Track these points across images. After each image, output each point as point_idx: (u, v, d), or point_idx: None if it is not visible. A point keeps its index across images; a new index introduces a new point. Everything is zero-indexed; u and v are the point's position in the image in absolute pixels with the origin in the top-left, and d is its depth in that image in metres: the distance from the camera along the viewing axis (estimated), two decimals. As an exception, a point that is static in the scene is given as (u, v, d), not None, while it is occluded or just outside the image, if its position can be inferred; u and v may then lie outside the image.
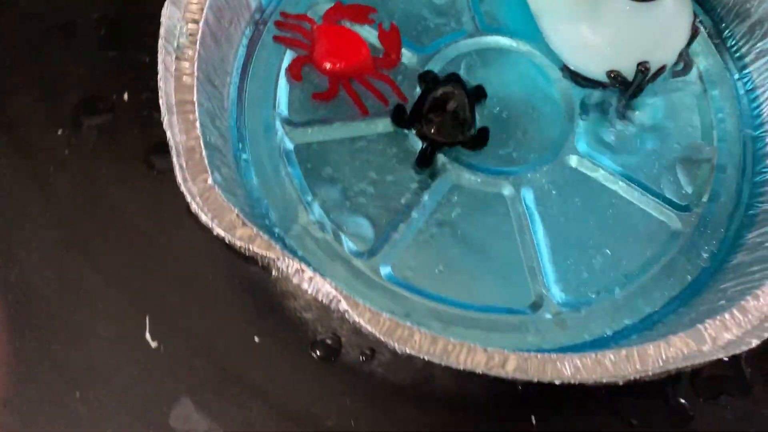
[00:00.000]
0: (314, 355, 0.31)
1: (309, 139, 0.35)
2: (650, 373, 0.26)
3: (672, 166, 0.35)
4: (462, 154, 0.35)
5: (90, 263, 0.32)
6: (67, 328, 0.31)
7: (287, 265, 0.26)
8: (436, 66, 0.36)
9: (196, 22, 0.31)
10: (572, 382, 0.25)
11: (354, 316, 0.26)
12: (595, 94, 0.36)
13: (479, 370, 0.25)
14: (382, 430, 0.30)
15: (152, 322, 0.31)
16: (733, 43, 0.38)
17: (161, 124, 0.34)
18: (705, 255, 0.33)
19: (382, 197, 0.34)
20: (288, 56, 0.36)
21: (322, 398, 0.30)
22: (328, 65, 0.35)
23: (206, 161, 0.29)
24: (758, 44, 0.37)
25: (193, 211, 0.27)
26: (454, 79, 0.36)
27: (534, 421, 0.30)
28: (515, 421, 0.30)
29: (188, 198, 0.27)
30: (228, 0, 0.34)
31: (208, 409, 0.30)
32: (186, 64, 0.30)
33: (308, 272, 0.26)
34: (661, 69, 0.35)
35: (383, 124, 0.35)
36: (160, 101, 0.29)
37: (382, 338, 0.25)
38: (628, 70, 0.35)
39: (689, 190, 0.35)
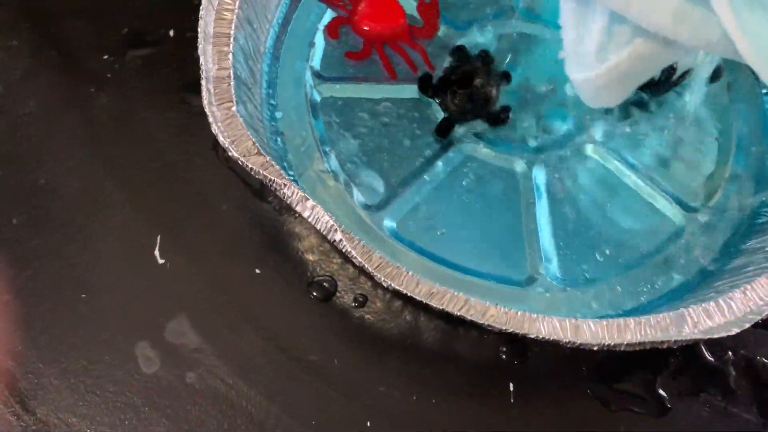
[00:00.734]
0: (310, 294, 0.32)
1: (336, 94, 0.36)
2: (624, 345, 0.26)
3: (686, 168, 0.35)
4: (480, 128, 0.36)
5: (113, 179, 0.34)
6: (83, 235, 0.33)
7: (292, 192, 0.28)
8: (468, 42, 0.37)
9: (246, -38, 0.33)
10: (547, 338, 0.26)
11: (348, 247, 0.27)
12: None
13: (458, 313, 0.26)
14: (363, 373, 0.31)
15: (163, 240, 0.33)
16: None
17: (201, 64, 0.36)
18: (705, 257, 0.33)
19: (397, 158, 0.35)
20: (328, 15, 0.38)
21: (311, 335, 0.31)
22: (365, 27, 0.37)
23: (233, 91, 0.30)
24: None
25: (213, 131, 0.29)
26: (483, 56, 0.37)
27: (512, 388, 0.31)
28: (494, 386, 0.31)
29: (210, 119, 0.29)
30: (278, -50, 0.35)
31: (202, 328, 0.31)
32: (229, 0, 0.32)
33: (311, 201, 0.27)
34: (686, 73, 0.36)
35: (409, 90, 0.36)
36: (199, 29, 0.31)
37: (372, 272, 0.26)
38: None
39: (700, 192, 0.35)
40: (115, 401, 0.30)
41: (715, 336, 0.26)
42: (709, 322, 0.27)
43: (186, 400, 0.30)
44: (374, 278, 0.27)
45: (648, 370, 0.31)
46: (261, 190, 0.35)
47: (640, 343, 0.26)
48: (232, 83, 0.30)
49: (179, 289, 0.32)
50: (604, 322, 0.27)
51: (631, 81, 0.29)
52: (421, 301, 0.27)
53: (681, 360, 0.32)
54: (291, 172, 0.34)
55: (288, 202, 0.28)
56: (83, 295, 0.32)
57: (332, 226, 0.27)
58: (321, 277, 0.33)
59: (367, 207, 0.34)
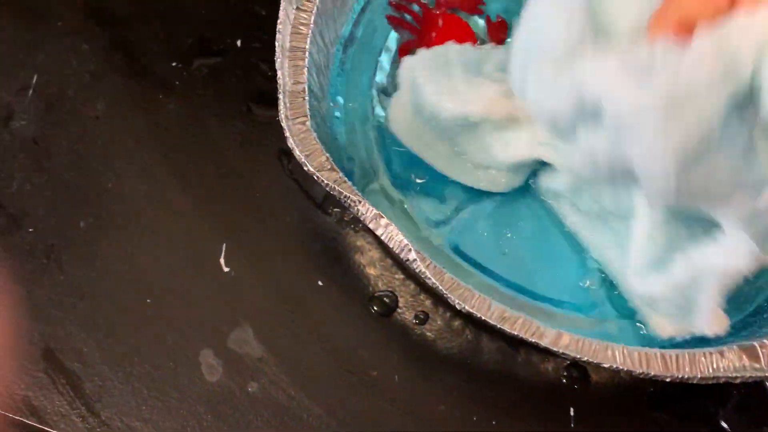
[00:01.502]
0: (371, 309, 0.33)
1: (401, 109, 0.36)
2: (698, 378, 0.26)
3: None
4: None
5: (180, 185, 0.35)
6: (149, 239, 0.33)
7: (366, 209, 0.28)
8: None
9: (320, -23, 0.33)
10: (619, 368, 0.26)
11: (421, 267, 0.27)
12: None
13: (532, 340, 0.26)
14: (424, 391, 0.31)
15: (228, 249, 0.33)
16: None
17: (266, 74, 0.37)
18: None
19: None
20: (394, 31, 0.38)
21: (372, 349, 0.32)
22: None
23: (308, 106, 0.31)
24: None
25: (289, 146, 0.29)
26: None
27: (572, 413, 0.31)
28: (555, 410, 0.31)
29: (287, 133, 0.29)
30: (350, -34, 0.36)
31: (264, 338, 0.32)
32: (304, 15, 0.32)
33: (384, 219, 0.28)
34: None
35: (474, 108, 0.36)
36: (276, 44, 0.31)
37: (444, 292, 0.26)
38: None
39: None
40: (179, 408, 0.30)
41: (791, 373, 0.26)
42: (782, 357, 0.27)
43: (248, 409, 0.30)
44: (445, 298, 0.27)
45: (711, 401, 0.31)
46: (323, 203, 0.35)
47: (714, 377, 0.26)
48: (306, 98, 0.31)
49: (243, 298, 0.32)
50: (675, 354, 0.26)
51: None
52: (485, 322, 0.27)
53: (745, 393, 0.31)
54: (355, 186, 0.34)
55: (361, 219, 0.28)
56: (149, 300, 0.32)
57: (406, 245, 0.27)
58: (382, 293, 0.33)
59: (430, 222, 0.34)
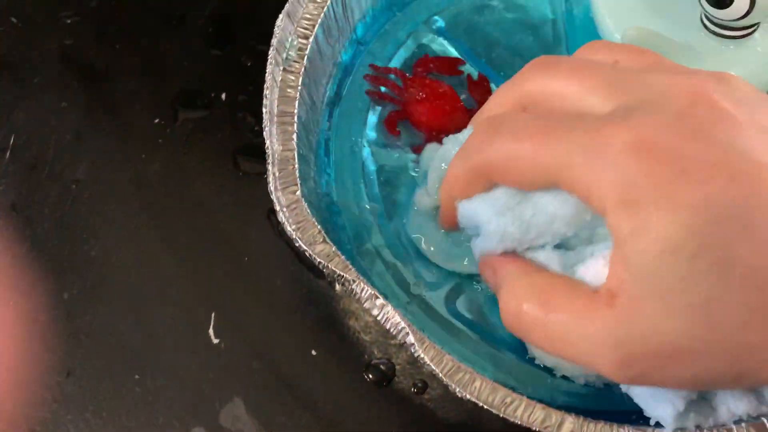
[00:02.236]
0: (367, 378, 0.32)
1: (393, 162, 0.35)
2: (708, 461, 0.25)
3: None
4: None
5: (168, 250, 0.34)
6: (136, 309, 0.32)
7: (361, 289, 0.27)
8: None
9: (307, 37, 0.32)
10: (628, 455, 0.25)
11: (419, 351, 0.26)
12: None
13: (535, 428, 0.25)
14: (424, 465, 0.30)
15: (217, 318, 0.32)
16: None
17: (253, 128, 0.36)
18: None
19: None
20: (384, 81, 0.37)
21: (370, 421, 0.31)
22: (423, 120, 0.35)
23: (298, 173, 0.30)
24: None
25: (279, 220, 0.28)
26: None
27: (576, 483, 0.30)
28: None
29: (276, 207, 0.28)
30: (337, 19, 0.35)
31: (257, 413, 0.31)
32: (292, 77, 0.31)
33: (380, 300, 0.27)
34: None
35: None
36: (264, 110, 0.30)
37: (444, 379, 0.25)
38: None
39: None
40: (171, 491, 0.29)
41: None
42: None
43: (243, 491, 0.29)
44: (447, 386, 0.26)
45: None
46: (315, 265, 0.34)
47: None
48: (297, 164, 0.30)
49: (234, 371, 0.31)
50: (683, 433, 0.26)
51: None
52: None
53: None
54: (348, 246, 0.33)
55: (355, 298, 0.27)
56: (137, 376, 0.31)
57: (403, 328, 0.26)
58: (378, 360, 0.32)
59: (427, 284, 0.33)
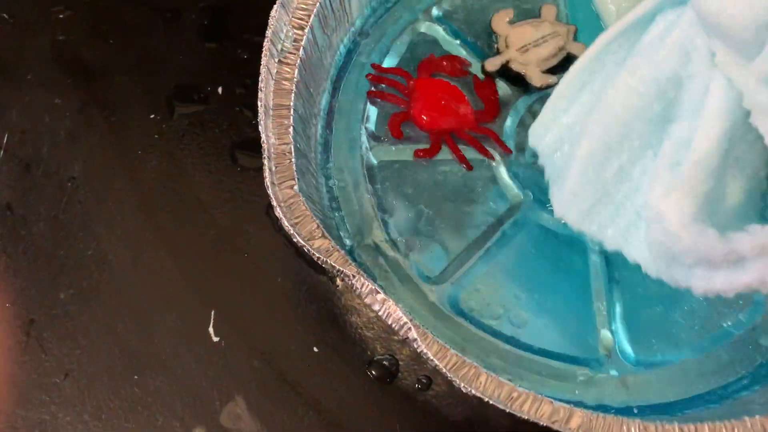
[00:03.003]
0: (370, 374, 0.31)
1: (393, 157, 0.35)
2: (720, 453, 0.24)
3: None
4: (545, 196, 0.34)
5: (166, 249, 0.33)
6: (134, 310, 0.32)
7: (361, 284, 0.26)
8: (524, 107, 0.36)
9: (302, 28, 0.32)
10: (638, 449, 0.24)
11: (422, 347, 0.25)
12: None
13: (543, 423, 0.24)
14: (429, 462, 0.30)
15: (217, 317, 0.32)
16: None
17: (251, 122, 0.35)
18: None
19: (458, 225, 0.33)
20: (383, 72, 0.36)
21: (374, 419, 0.30)
22: (429, 122, 0.34)
23: (294, 167, 0.29)
24: None
25: (276, 215, 0.27)
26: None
27: (584, 479, 0.29)
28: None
29: (273, 202, 0.27)
30: (333, 9, 0.34)
31: (259, 412, 0.30)
32: (287, 69, 0.31)
33: (381, 294, 0.26)
34: None
35: (468, 152, 0.35)
36: (258, 103, 0.29)
37: (448, 374, 0.25)
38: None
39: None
40: (172, 493, 0.29)
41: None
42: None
43: (245, 492, 0.29)
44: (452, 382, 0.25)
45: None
46: (315, 261, 0.33)
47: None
48: (293, 159, 0.29)
49: (235, 370, 0.31)
50: (694, 427, 0.25)
51: None
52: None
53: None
54: (348, 241, 0.33)
55: (356, 293, 0.26)
56: (136, 377, 0.31)
57: (405, 323, 0.25)
58: (381, 356, 0.31)
59: (427, 279, 0.32)
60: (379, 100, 0.35)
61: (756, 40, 0.23)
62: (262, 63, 0.30)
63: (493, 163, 0.34)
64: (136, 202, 0.34)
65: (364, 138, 0.35)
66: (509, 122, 0.35)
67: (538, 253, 0.33)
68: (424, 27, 0.37)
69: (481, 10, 0.37)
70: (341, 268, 0.26)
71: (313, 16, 0.32)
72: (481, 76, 0.36)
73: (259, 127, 0.29)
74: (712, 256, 0.24)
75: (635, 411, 0.30)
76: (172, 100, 0.36)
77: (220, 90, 0.36)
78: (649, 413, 0.29)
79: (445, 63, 0.36)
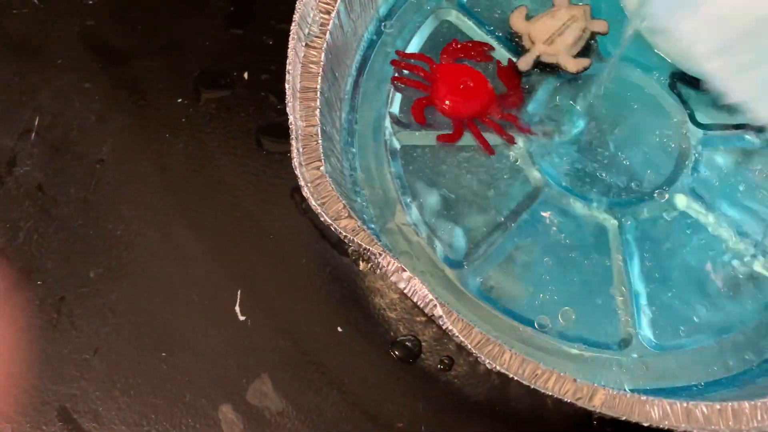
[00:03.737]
0: (393, 355, 0.31)
1: (416, 141, 0.35)
2: (742, 432, 0.25)
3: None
4: (567, 180, 0.34)
5: (193, 230, 0.33)
6: (162, 288, 0.32)
7: (388, 262, 0.27)
8: (548, 91, 0.36)
9: (329, 12, 0.32)
10: (660, 426, 0.24)
11: (447, 323, 0.26)
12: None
13: (567, 399, 0.25)
14: (451, 441, 0.30)
15: (243, 296, 0.32)
16: None
17: (276, 106, 0.36)
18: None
19: (480, 209, 0.33)
20: (407, 57, 0.36)
21: (396, 399, 0.31)
22: (451, 107, 0.34)
23: (321, 149, 0.29)
24: None
25: (304, 195, 0.28)
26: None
27: (605, 460, 0.30)
28: (585, 456, 0.30)
29: (301, 182, 0.28)
30: (360, -6, 0.34)
31: (284, 390, 0.31)
32: (314, 53, 0.31)
33: (407, 273, 0.26)
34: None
35: (491, 137, 0.35)
36: (286, 86, 0.30)
37: (473, 351, 0.25)
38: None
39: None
40: (199, 467, 0.29)
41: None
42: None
43: (271, 467, 0.29)
44: (474, 355, 0.25)
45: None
46: (339, 242, 0.34)
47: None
48: (320, 141, 0.29)
49: (260, 348, 0.31)
50: (718, 406, 0.25)
51: None
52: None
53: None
54: (372, 225, 0.33)
55: (382, 271, 0.27)
56: (163, 354, 0.31)
57: (431, 300, 0.26)
58: (404, 337, 0.32)
59: (450, 262, 0.33)
60: (402, 85, 0.36)
61: None
62: (289, 46, 0.30)
63: (516, 148, 0.35)
64: (164, 184, 0.34)
65: (387, 123, 0.35)
66: (532, 107, 0.35)
67: (560, 237, 0.33)
68: (446, 14, 0.37)
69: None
70: (368, 247, 0.27)
71: (339, 1, 0.32)
72: (504, 61, 0.36)
73: (287, 109, 0.29)
74: None
75: (656, 392, 0.30)
76: (199, 85, 0.37)
77: (246, 75, 0.37)
78: (670, 395, 0.30)
79: (467, 48, 0.36)
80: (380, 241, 0.33)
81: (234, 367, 0.31)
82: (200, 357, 0.31)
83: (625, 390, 0.27)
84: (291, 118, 0.29)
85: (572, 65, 0.35)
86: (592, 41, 0.36)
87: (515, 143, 0.35)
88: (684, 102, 0.35)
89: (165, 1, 0.39)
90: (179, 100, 0.36)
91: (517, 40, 0.37)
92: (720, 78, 0.27)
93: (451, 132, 0.35)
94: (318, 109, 0.30)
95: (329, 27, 0.32)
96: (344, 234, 0.27)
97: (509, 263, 0.33)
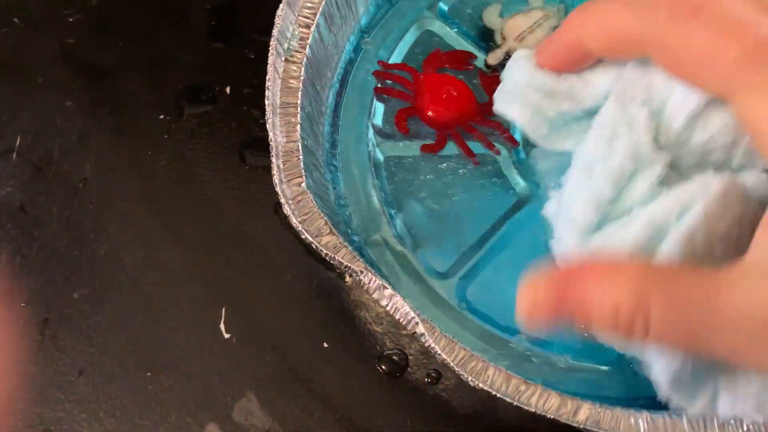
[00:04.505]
0: (380, 369, 0.31)
1: (400, 152, 0.35)
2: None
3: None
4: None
5: (177, 247, 0.33)
6: (146, 307, 0.32)
7: (369, 280, 0.26)
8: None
9: (308, 26, 0.32)
10: (646, 440, 0.24)
11: (430, 341, 0.25)
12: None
13: (550, 416, 0.25)
14: (439, 455, 0.30)
15: (228, 313, 0.32)
16: None
17: (258, 120, 0.36)
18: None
19: (466, 220, 0.33)
20: (389, 68, 0.36)
21: (384, 413, 0.30)
22: (434, 116, 0.34)
23: (302, 165, 0.29)
24: None
25: (285, 212, 0.28)
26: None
27: (595, 469, 0.30)
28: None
29: (282, 200, 0.28)
30: (339, 7, 0.34)
31: (271, 407, 0.30)
32: (294, 67, 0.31)
33: (389, 290, 0.26)
34: None
35: (475, 146, 0.35)
36: (266, 102, 0.29)
37: (456, 368, 0.25)
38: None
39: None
40: (186, 488, 0.29)
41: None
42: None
43: (258, 486, 0.29)
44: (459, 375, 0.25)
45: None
46: (324, 257, 0.33)
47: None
48: (301, 156, 0.29)
49: (246, 366, 0.31)
50: (702, 418, 0.25)
51: None
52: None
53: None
54: (356, 238, 0.33)
55: (364, 288, 0.27)
56: (148, 374, 0.31)
57: (412, 318, 0.26)
58: (391, 351, 0.32)
59: (435, 274, 0.32)
60: (385, 96, 0.36)
61: None
62: (269, 62, 0.30)
63: (500, 158, 0.34)
64: (147, 202, 0.34)
65: (371, 134, 0.35)
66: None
67: (547, 246, 0.33)
68: (429, 23, 0.37)
69: (486, 5, 0.37)
70: (349, 264, 0.27)
71: (319, 14, 0.32)
72: (486, 69, 0.36)
73: (267, 126, 0.29)
74: None
75: (642, 404, 0.30)
76: (181, 100, 0.37)
77: (228, 90, 0.37)
78: (656, 407, 0.30)
79: (449, 58, 0.36)
80: (365, 254, 0.32)
81: (219, 386, 0.31)
82: (185, 376, 0.31)
83: (611, 404, 0.27)
84: (271, 134, 0.29)
85: None
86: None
87: (499, 153, 0.34)
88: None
89: (146, 16, 0.39)
90: (161, 116, 0.36)
91: (491, 39, 0.37)
92: None
93: (434, 142, 0.35)
94: (299, 125, 0.30)
95: (309, 41, 0.32)
96: (325, 252, 0.27)
97: (496, 273, 0.32)
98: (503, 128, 0.34)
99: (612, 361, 0.31)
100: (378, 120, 0.35)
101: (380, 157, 0.35)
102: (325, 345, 0.32)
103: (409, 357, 0.31)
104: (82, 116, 0.36)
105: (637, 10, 0.21)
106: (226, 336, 0.32)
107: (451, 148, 0.35)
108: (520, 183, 0.34)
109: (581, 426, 0.24)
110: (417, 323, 0.26)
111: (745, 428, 0.25)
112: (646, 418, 0.25)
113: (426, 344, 0.25)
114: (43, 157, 0.35)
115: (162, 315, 0.32)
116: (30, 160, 0.35)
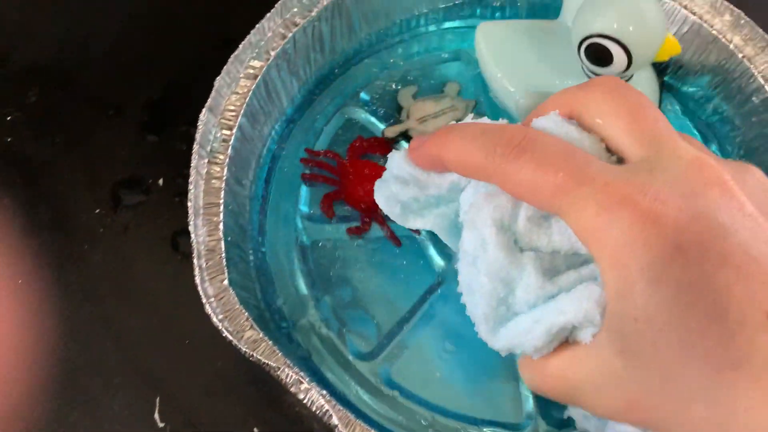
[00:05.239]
0: (310, 453, 0.33)
1: (326, 235, 0.37)
2: None
3: None
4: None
5: (113, 339, 0.35)
6: (83, 399, 0.33)
7: (286, 375, 0.28)
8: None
9: (231, 128, 0.34)
10: None
11: (344, 432, 0.27)
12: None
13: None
14: None
15: (162, 402, 0.33)
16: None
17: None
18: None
19: (389, 300, 0.35)
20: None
21: (313, 496, 0.32)
22: (358, 200, 0.37)
23: (224, 262, 0.31)
24: None
25: (206, 312, 0.29)
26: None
27: None
28: None
29: (203, 299, 0.29)
30: (262, 105, 0.36)
31: (203, 497, 0.32)
32: (216, 168, 0.33)
33: (305, 384, 0.28)
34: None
35: (399, 228, 0.37)
36: (189, 204, 0.31)
37: (369, 458, 0.27)
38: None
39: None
40: None
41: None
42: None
43: None
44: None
45: None
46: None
47: None
48: (223, 254, 0.31)
49: (180, 455, 0.32)
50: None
51: None
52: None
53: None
54: (284, 324, 0.34)
55: (282, 383, 0.28)
56: (84, 467, 0.32)
57: (326, 411, 0.27)
58: (319, 433, 0.33)
59: (361, 356, 0.34)
60: (312, 181, 0.38)
61: None
62: (192, 165, 0.32)
63: (420, 238, 0.36)
64: (84, 300, 0.36)
65: (298, 219, 0.37)
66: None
67: (465, 323, 0.35)
68: (351, 112, 0.40)
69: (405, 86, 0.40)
70: (266, 361, 0.28)
71: (241, 116, 0.34)
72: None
73: (189, 228, 0.31)
74: None
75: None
76: (116, 193, 0.38)
77: (160, 181, 0.38)
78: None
79: (370, 145, 0.38)
80: (293, 339, 0.34)
81: (153, 477, 0.32)
82: (121, 468, 0.32)
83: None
84: (193, 236, 0.31)
85: None
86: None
87: (420, 234, 0.36)
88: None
89: (82, 112, 0.40)
90: (97, 211, 0.38)
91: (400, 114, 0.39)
92: None
93: (359, 225, 0.37)
94: (222, 223, 0.32)
95: (231, 142, 0.34)
96: (244, 350, 0.29)
97: (418, 350, 0.34)
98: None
99: (524, 426, 0.32)
100: (305, 205, 0.37)
101: (306, 240, 0.36)
102: (256, 430, 0.33)
103: (337, 438, 0.33)
104: (21, 214, 0.37)
105: (482, 146, 0.25)
106: (161, 425, 0.33)
107: (376, 231, 0.37)
108: (438, 262, 0.36)
109: None
110: (331, 416, 0.27)
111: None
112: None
113: (341, 435, 0.27)
114: (-18, 256, 0.36)
115: (97, 406, 0.33)
116: (-32, 260, 0.36)
